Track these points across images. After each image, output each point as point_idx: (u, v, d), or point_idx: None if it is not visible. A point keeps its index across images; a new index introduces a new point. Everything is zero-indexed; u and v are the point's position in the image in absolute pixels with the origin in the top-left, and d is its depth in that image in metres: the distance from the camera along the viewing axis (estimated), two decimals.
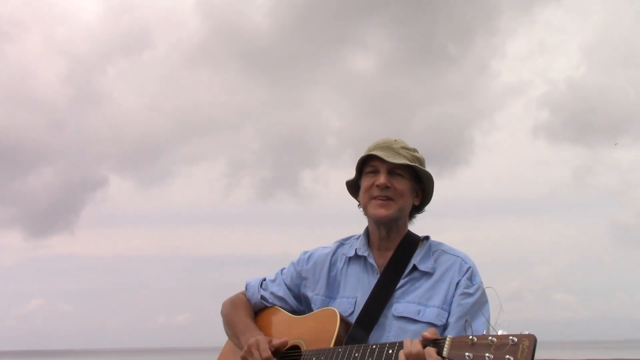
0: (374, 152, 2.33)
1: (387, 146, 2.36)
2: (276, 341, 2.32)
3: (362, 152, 2.44)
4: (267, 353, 2.26)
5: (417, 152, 2.42)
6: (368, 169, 2.38)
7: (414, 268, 2.32)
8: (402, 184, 2.33)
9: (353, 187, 2.48)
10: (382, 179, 2.31)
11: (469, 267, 2.30)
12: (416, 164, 2.35)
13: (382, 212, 2.32)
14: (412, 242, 2.39)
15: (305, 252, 2.58)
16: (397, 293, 2.29)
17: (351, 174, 2.48)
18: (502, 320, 2.11)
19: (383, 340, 2.22)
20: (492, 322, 2.17)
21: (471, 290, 2.25)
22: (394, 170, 2.33)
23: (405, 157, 2.34)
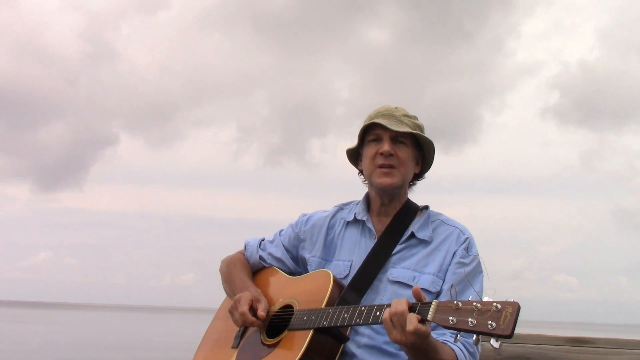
0: (376, 120, 2.33)
1: (389, 114, 2.36)
2: (262, 303, 2.34)
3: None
4: (244, 309, 2.30)
5: (417, 119, 2.42)
6: (370, 137, 2.37)
7: (412, 235, 2.34)
8: (404, 152, 2.34)
9: (354, 155, 2.49)
10: (386, 146, 2.32)
11: (467, 238, 2.33)
12: (418, 132, 2.36)
13: (387, 180, 2.33)
14: (411, 210, 2.41)
15: (304, 215, 2.61)
16: (393, 258, 2.31)
17: None
18: (487, 288, 2.21)
19: (376, 303, 2.23)
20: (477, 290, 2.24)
21: (466, 260, 2.28)
22: (397, 138, 2.33)
23: (407, 124, 2.35)
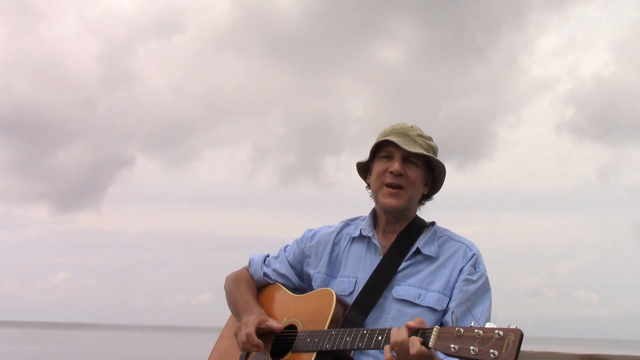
0: (390, 138, 2.28)
1: (404, 132, 2.31)
2: (270, 323, 2.30)
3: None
4: (251, 330, 2.25)
5: (432, 140, 2.37)
6: (382, 153, 2.32)
7: (418, 251, 2.29)
8: (414, 173, 2.29)
9: (364, 169, 2.44)
10: (396, 165, 2.27)
11: (474, 254, 2.26)
12: (431, 154, 2.31)
13: (392, 202, 2.29)
14: (417, 227, 2.36)
15: (310, 230, 2.56)
16: (399, 275, 2.26)
17: None
18: (490, 314, 2.18)
19: (381, 323, 2.21)
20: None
21: (474, 278, 2.22)
22: (408, 158, 2.28)
23: (421, 145, 2.29)
